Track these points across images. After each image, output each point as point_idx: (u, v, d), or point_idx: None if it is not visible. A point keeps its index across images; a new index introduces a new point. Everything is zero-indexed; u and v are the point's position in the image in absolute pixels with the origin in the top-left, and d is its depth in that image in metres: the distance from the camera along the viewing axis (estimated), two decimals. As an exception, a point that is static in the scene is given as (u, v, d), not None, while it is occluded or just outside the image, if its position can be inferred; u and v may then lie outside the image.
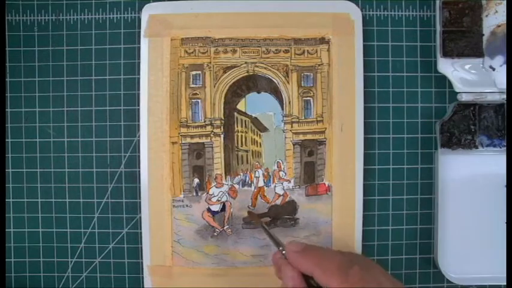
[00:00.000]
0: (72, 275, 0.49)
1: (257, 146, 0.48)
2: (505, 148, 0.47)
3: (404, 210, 0.49)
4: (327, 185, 0.47)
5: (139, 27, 0.47)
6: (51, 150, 0.48)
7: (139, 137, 0.47)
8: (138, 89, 0.47)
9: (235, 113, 0.48)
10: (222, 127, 0.48)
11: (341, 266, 0.36)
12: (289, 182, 0.48)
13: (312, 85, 0.48)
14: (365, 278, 0.35)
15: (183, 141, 0.47)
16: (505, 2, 0.46)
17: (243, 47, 0.47)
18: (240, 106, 0.48)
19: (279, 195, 0.48)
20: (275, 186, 0.48)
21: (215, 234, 0.47)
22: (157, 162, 0.47)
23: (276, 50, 0.47)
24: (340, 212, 0.47)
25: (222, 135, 0.48)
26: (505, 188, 0.47)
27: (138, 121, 0.47)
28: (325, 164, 0.47)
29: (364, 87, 0.47)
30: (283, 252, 0.40)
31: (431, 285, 0.49)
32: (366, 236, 0.48)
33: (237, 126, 0.48)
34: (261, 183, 0.48)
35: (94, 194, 0.48)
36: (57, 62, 0.48)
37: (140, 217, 0.47)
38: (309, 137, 0.48)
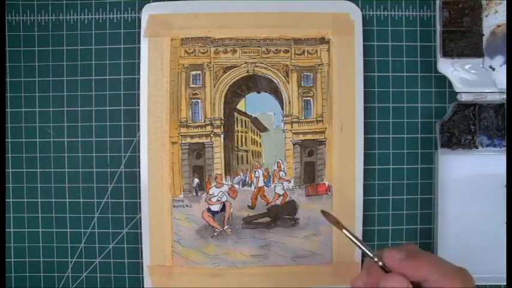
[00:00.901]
0: (72, 275, 0.49)
1: (257, 146, 0.48)
2: (505, 148, 0.47)
3: (404, 210, 0.49)
4: (327, 185, 0.47)
5: (139, 27, 0.47)
6: (51, 150, 0.48)
7: (139, 137, 0.47)
8: (138, 89, 0.47)
9: (235, 113, 0.48)
10: (222, 127, 0.48)
11: (455, 268, 0.35)
12: (289, 182, 0.48)
13: (312, 85, 0.48)
14: (473, 279, 0.35)
15: (183, 141, 0.47)
16: (505, 2, 0.46)
17: (243, 47, 0.47)
18: (240, 106, 0.48)
19: (279, 195, 0.48)
20: (275, 186, 0.48)
21: (215, 234, 0.47)
22: (157, 162, 0.47)
23: (276, 50, 0.47)
24: (340, 212, 0.47)
25: (222, 135, 0.48)
26: (505, 188, 0.47)
27: (138, 121, 0.47)
28: (325, 164, 0.47)
29: (364, 87, 0.47)
30: (379, 263, 0.34)
31: (431, 285, 0.49)
32: (366, 236, 0.48)
33: (237, 126, 0.48)
34: (261, 183, 0.48)
35: (94, 194, 0.48)
36: (57, 62, 0.48)
37: (140, 217, 0.47)
38: (309, 137, 0.48)
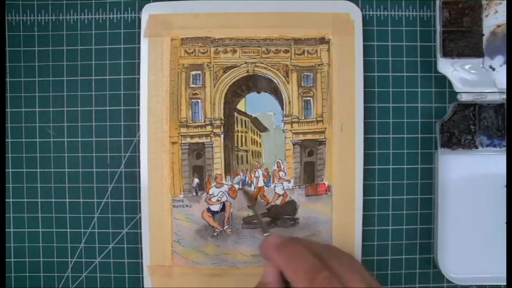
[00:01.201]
0: (72, 275, 0.49)
1: (257, 146, 0.48)
2: (505, 148, 0.47)
3: (404, 210, 0.49)
4: (326, 185, 0.47)
5: (139, 27, 0.47)
6: (51, 150, 0.48)
7: (139, 137, 0.47)
8: (138, 89, 0.47)
9: (235, 113, 0.48)
10: (222, 127, 0.48)
11: (310, 269, 0.35)
12: (289, 182, 0.48)
13: (312, 85, 0.48)
14: (332, 285, 0.34)
15: (183, 141, 0.47)
16: (505, 2, 0.46)
17: (243, 47, 0.47)
18: (240, 106, 0.48)
19: (279, 195, 0.48)
20: (275, 186, 0.48)
21: (215, 234, 0.47)
22: (157, 162, 0.47)
23: (276, 50, 0.47)
24: (340, 212, 0.47)
25: (222, 135, 0.48)
26: (505, 188, 0.47)
27: (138, 121, 0.47)
28: (325, 164, 0.47)
29: (364, 87, 0.47)
30: (265, 234, 0.41)
31: (431, 285, 0.49)
32: (365, 236, 0.48)
33: (237, 126, 0.48)
34: (261, 183, 0.48)
35: (94, 194, 0.48)
36: (57, 62, 0.48)
37: (140, 217, 0.47)
38: (309, 137, 0.48)
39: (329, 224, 0.47)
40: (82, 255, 0.49)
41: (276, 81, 0.48)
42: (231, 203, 0.48)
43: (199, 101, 0.47)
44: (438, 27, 0.46)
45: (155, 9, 0.47)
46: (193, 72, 0.47)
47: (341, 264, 0.36)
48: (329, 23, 0.47)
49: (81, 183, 0.48)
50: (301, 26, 0.47)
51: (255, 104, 0.48)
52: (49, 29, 0.48)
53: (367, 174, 0.48)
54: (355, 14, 0.47)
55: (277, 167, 0.48)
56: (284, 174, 0.48)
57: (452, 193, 0.47)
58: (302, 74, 0.48)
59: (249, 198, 0.47)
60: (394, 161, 0.49)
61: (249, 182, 0.48)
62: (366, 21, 0.48)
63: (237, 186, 0.48)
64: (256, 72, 0.48)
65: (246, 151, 0.48)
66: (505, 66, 0.46)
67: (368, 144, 0.48)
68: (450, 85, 0.47)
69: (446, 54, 0.46)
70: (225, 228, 0.47)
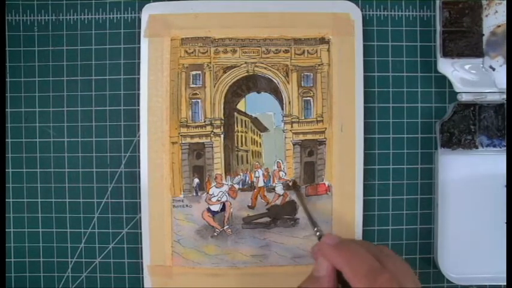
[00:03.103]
0: (72, 275, 0.49)
1: (257, 146, 0.48)
2: (505, 148, 0.47)
3: (404, 210, 0.49)
4: (327, 185, 0.47)
5: (139, 27, 0.47)
6: (51, 150, 0.48)
7: (139, 137, 0.47)
8: (138, 89, 0.47)
9: (235, 113, 0.48)
10: (222, 127, 0.48)
11: (371, 270, 0.35)
12: (289, 182, 0.48)
13: (312, 85, 0.48)
14: (392, 287, 0.34)
15: (183, 141, 0.47)
16: (505, 2, 0.46)
17: (243, 47, 0.47)
18: (240, 106, 0.48)
19: (279, 195, 0.48)
20: (275, 186, 0.48)
21: (215, 234, 0.47)
22: (157, 162, 0.47)
23: (276, 50, 0.47)
24: (340, 212, 0.47)
25: (222, 135, 0.48)
26: (505, 188, 0.47)
27: (138, 121, 0.47)
28: (325, 164, 0.47)
29: (364, 87, 0.47)
30: (318, 234, 0.41)
31: (431, 285, 0.49)
32: (366, 236, 0.48)
33: (237, 126, 0.48)
34: (261, 183, 0.48)
35: (94, 194, 0.48)
36: (57, 62, 0.48)
37: (140, 217, 0.47)
38: (309, 137, 0.48)
39: (329, 224, 0.47)
40: (82, 255, 0.49)
41: (276, 81, 0.48)
42: (231, 203, 0.48)
43: (199, 101, 0.47)
44: (438, 27, 0.46)
45: (155, 9, 0.47)
46: (193, 72, 0.47)
47: (396, 267, 0.36)
48: (329, 23, 0.47)
49: (81, 183, 0.48)
50: (301, 26, 0.47)
51: (255, 104, 0.48)
52: (49, 29, 0.48)
53: (367, 174, 0.48)
54: (355, 14, 0.47)
55: (277, 167, 0.48)
56: (284, 174, 0.48)
57: (452, 193, 0.47)
58: (302, 74, 0.48)
59: (299, 195, 0.46)
60: (394, 161, 0.49)
61: (249, 182, 0.48)
62: (366, 21, 0.48)
63: (237, 187, 0.48)
64: (256, 72, 0.48)
65: (246, 151, 0.48)
66: (505, 66, 0.46)
67: (368, 144, 0.48)
68: (450, 85, 0.47)
69: (446, 54, 0.46)
70: (225, 228, 0.47)
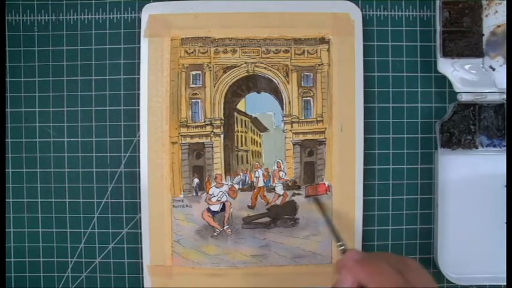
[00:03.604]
0: (72, 275, 0.49)
1: (257, 146, 0.48)
2: (505, 148, 0.47)
3: (404, 210, 0.49)
4: (327, 185, 0.47)
5: (139, 27, 0.47)
6: (51, 150, 0.48)
7: (139, 137, 0.47)
8: (138, 89, 0.47)
9: (235, 113, 0.48)
10: (222, 127, 0.48)
11: (395, 286, 0.35)
12: (289, 182, 0.48)
13: (312, 85, 0.48)
14: None
15: (183, 141, 0.47)
16: (505, 2, 0.46)
17: (243, 47, 0.47)
18: (240, 106, 0.48)
19: (279, 195, 0.48)
20: (275, 186, 0.48)
21: (215, 234, 0.47)
22: (157, 162, 0.47)
23: (276, 50, 0.47)
24: (340, 212, 0.47)
25: (222, 135, 0.48)
26: (505, 188, 0.47)
27: (138, 121, 0.47)
28: (325, 164, 0.47)
29: (364, 87, 0.47)
30: (341, 248, 0.41)
31: (431, 285, 0.49)
32: (366, 236, 0.48)
33: (237, 126, 0.48)
34: (261, 183, 0.48)
35: (94, 194, 0.48)
36: (57, 62, 0.48)
37: (140, 217, 0.47)
38: (309, 137, 0.48)
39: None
40: (82, 255, 0.49)
41: (276, 81, 0.48)
42: (231, 203, 0.48)
43: (199, 101, 0.47)
44: (438, 27, 0.46)
45: (155, 9, 0.47)
46: (193, 72, 0.47)
47: (419, 281, 0.37)
48: (329, 23, 0.47)
49: (81, 183, 0.48)
50: (301, 26, 0.47)
51: (255, 104, 0.48)
52: (49, 29, 0.48)
53: (367, 174, 0.48)
54: (355, 14, 0.47)
55: (277, 167, 0.48)
56: (284, 174, 0.48)
57: (452, 193, 0.47)
58: (302, 74, 0.48)
59: (321, 208, 0.46)
60: (394, 161, 0.49)
61: (249, 182, 0.48)
62: (366, 21, 0.48)
63: (237, 187, 0.48)
64: (256, 72, 0.48)
65: (246, 151, 0.48)
66: (505, 66, 0.46)
67: (368, 144, 0.48)
68: (450, 85, 0.47)
69: (446, 54, 0.46)
70: (225, 228, 0.47)
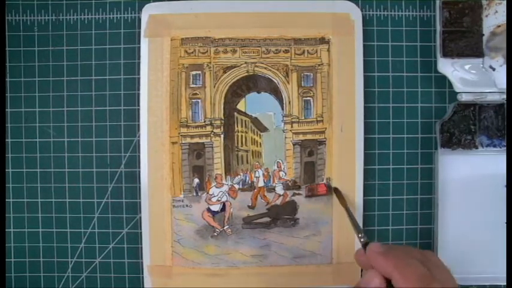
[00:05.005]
0: (72, 275, 0.49)
1: (257, 146, 0.48)
2: (505, 148, 0.47)
3: (404, 210, 0.49)
4: (327, 185, 0.47)
5: (139, 27, 0.47)
6: (51, 150, 0.48)
7: (139, 137, 0.47)
8: (138, 89, 0.47)
9: (235, 113, 0.48)
10: (222, 127, 0.48)
11: (422, 278, 0.35)
12: (289, 182, 0.48)
13: (312, 85, 0.48)
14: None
15: (183, 141, 0.47)
16: (505, 2, 0.46)
17: (243, 47, 0.47)
18: (240, 106, 0.48)
19: (279, 195, 0.48)
20: (275, 186, 0.48)
21: (215, 234, 0.47)
22: (157, 162, 0.47)
23: (276, 50, 0.47)
24: (340, 212, 0.47)
25: (222, 135, 0.48)
26: (505, 188, 0.47)
27: (138, 121, 0.47)
28: (325, 164, 0.47)
29: (364, 87, 0.47)
30: (362, 240, 0.40)
31: (431, 285, 0.49)
32: (366, 236, 0.47)
33: (237, 126, 0.48)
34: (261, 183, 0.48)
35: (94, 194, 0.48)
36: (57, 62, 0.48)
37: (140, 217, 0.47)
38: (309, 137, 0.48)
39: (329, 224, 0.47)
40: (82, 255, 0.49)
41: (276, 81, 0.48)
42: (231, 203, 0.48)
43: (199, 101, 0.47)
44: (438, 27, 0.46)
45: (155, 9, 0.47)
46: (193, 72, 0.47)
47: (443, 277, 0.36)
48: (329, 23, 0.47)
49: (81, 183, 0.48)
50: (301, 26, 0.47)
51: (255, 104, 0.48)
52: (49, 29, 0.48)
53: (367, 174, 0.48)
54: (355, 14, 0.47)
55: (277, 167, 0.48)
56: (284, 174, 0.48)
57: (452, 193, 0.47)
58: (302, 74, 0.48)
59: (342, 201, 0.46)
60: (394, 161, 0.49)
61: (249, 182, 0.48)
62: (366, 21, 0.48)
63: (237, 187, 0.48)
64: (256, 72, 0.48)
65: (246, 151, 0.48)
66: (505, 66, 0.46)
67: (368, 144, 0.48)
68: (450, 85, 0.47)
69: (446, 54, 0.46)
70: (225, 228, 0.47)
